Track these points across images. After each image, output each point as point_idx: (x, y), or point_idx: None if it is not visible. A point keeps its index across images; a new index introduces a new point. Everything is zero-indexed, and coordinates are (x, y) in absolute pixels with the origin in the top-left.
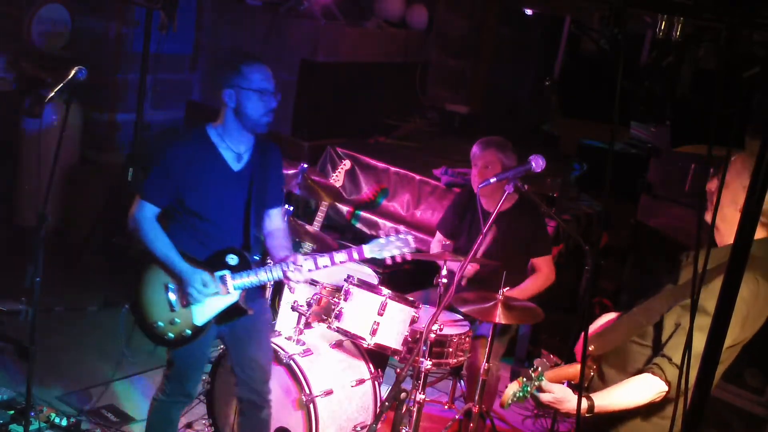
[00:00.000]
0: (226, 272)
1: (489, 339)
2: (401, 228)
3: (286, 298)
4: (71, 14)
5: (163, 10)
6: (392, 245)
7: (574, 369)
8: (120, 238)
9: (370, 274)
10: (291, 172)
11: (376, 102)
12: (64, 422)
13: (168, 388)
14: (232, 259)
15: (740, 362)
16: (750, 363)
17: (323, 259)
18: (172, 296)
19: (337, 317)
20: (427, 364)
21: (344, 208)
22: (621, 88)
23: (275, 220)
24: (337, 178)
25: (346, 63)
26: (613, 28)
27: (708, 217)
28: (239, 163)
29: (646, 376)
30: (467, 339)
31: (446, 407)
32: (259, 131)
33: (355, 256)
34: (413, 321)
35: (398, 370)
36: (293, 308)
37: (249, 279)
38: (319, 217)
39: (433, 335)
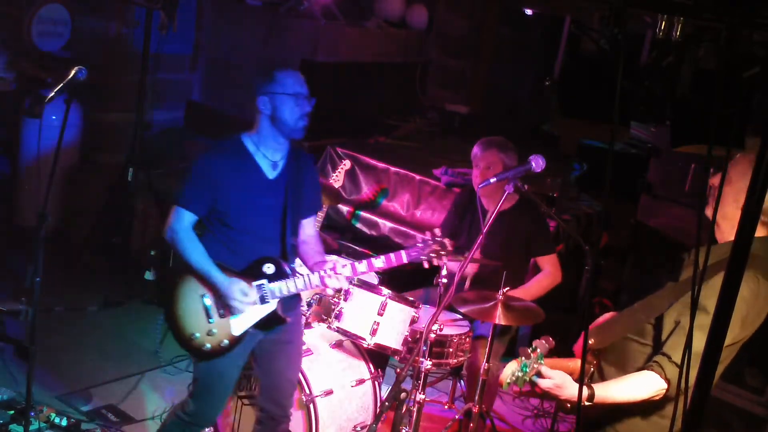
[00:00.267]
0: (264, 281)
1: (489, 339)
2: (436, 231)
3: None
4: (71, 14)
5: (163, 10)
6: (429, 248)
7: (574, 363)
8: (119, 238)
9: (370, 274)
10: None
11: (376, 102)
12: (64, 422)
13: (190, 408)
14: (269, 268)
15: (740, 362)
16: (750, 363)
17: (361, 266)
18: (210, 306)
19: (337, 317)
20: (427, 364)
21: (344, 208)
22: (621, 88)
23: (308, 227)
24: (337, 178)
25: (346, 63)
26: (613, 28)
27: (709, 212)
28: (274, 170)
29: (646, 373)
30: (467, 339)
31: (446, 407)
32: (296, 137)
33: (394, 261)
34: (413, 321)
35: (398, 370)
36: None
37: (287, 287)
38: (319, 217)
39: (433, 335)
